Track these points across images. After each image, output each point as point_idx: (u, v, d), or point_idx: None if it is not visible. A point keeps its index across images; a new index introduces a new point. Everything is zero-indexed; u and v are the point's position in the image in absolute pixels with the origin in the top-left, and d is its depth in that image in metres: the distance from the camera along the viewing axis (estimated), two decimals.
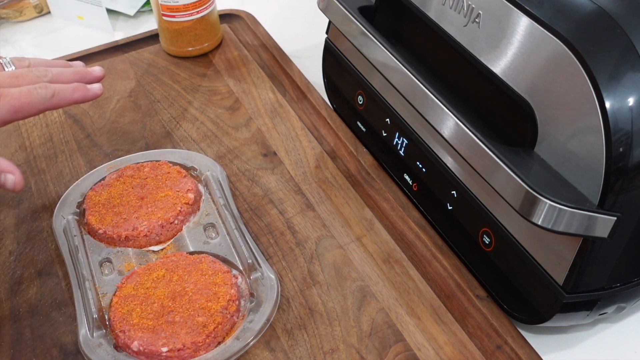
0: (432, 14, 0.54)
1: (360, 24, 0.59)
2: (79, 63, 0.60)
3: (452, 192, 0.55)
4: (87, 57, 0.79)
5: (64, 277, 0.55)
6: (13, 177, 0.49)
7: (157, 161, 0.63)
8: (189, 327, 0.49)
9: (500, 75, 0.48)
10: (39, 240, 0.59)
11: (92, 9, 0.86)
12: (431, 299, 0.54)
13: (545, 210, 0.42)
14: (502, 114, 0.50)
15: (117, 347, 0.50)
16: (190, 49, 0.78)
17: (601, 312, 0.49)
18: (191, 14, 0.75)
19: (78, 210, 0.60)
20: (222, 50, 0.80)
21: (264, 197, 0.62)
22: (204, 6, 0.75)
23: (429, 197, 0.59)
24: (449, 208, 0.56)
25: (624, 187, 0.42)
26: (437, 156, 0.56)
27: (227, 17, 0.84)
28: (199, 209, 0.60)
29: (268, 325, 0.51)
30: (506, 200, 0.45)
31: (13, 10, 0.88)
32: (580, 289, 0.47)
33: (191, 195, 0.59)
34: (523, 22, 0.46)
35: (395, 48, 0.56)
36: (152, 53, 0.80)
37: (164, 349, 0.48)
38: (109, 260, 0.55)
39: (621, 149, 0.41)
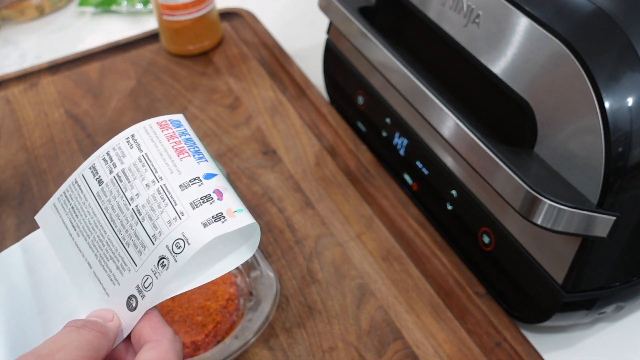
0: (432, 15, 0.54)
1: (361, 24, 0.59)
2: None
3: (452, 191, 0.55)
4: (89, 57, 0.79)
5: None
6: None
7: None
8: (188, 326, 0.49)
9: (499, 76, 0.48)
10: None
11: None
12: (430, 297, 0.54)
13: (545, 210, 0.42)
14: (501, 114, 0.50)
15: None
16: (190, 47, 0.78)
17: (600, 311, 0.49)
18: (191, 13, 0.75)
19: None
20: (222, 48, 0.80)
21: (263, 196, 0.62)
22: (204, 5, 0.75)
23: (429, 196, 0.59)
24: (449, 208, 0.56)
25: (623, 187, 0.42)
26: (437, 156, 0.56)
27: (228, 15, 0.84)
28: None
29: (267, 323, 0.51)
30: (506, 200, 0.45)
31: (15, 10, 0.88)
32: (579, 288, 0.47)
33: None
34: (522, 23, 0.46)
35: (395, 48, 0.56)
36: (152, 52, 0.80)
37: None
38: None
39: (620, 149, 0.41)
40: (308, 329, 0.52)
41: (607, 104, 0.41)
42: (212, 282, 0.52)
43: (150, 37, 0.81)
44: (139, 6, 0.90)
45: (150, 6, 0.90)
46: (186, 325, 0.49)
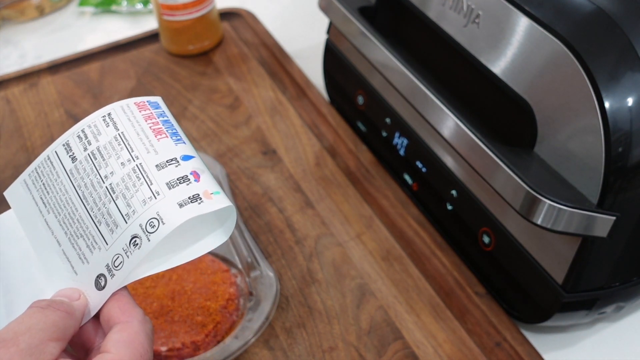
0: (431, 15, 0.54)
1: (361, 24, 0.59)
2: None
3: (452, 191, 0.55)
4: (89, 56, 0.79)
5: None
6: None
7: None
8: (188, 326, 0.49)
9: (499, 76, 0.48)
10: None
11: None
12: (430, 297, 0.54)
13: (545, 210, 0.42)
14: (501, 114, 0.50)
15: None
16: (190, 47, 0.78)
17: (600, 311, 0.49)
18: (191, 13, 0.75)
19: None
20: (222, 48, 0.80)
21: (263, 196, 0.62)
22: (204, 5, 0.75)
23: (429, 196, 0.59)
24: (449, 208, 0.56)
25: (623, 187, 0.42)
26: (437, 156, 0.56)
27: (228, 15, 0.84)
28: None
29: (267, 323, 0.51)
30: (506, 200, 0.45)
31: (14, 10, 0.88)
32: (579, 288, 0.47)
33: None
34: (522, 23, 0.46)
35: (395, 48, 0.56)
36: (152, 52, 0.80)
37: (163, 348, 0.48)
38: None
39: (620, 149, 0.41)
40: (308, 329, 0.52)
41: (607, 104, 0.41)
42: (213, 282, 0.52)
43: (150, 37, 0.81)
44: (139, 6, 0.90)
45: (150, 6, 0.90)
46: (186, 325, 0.49)
